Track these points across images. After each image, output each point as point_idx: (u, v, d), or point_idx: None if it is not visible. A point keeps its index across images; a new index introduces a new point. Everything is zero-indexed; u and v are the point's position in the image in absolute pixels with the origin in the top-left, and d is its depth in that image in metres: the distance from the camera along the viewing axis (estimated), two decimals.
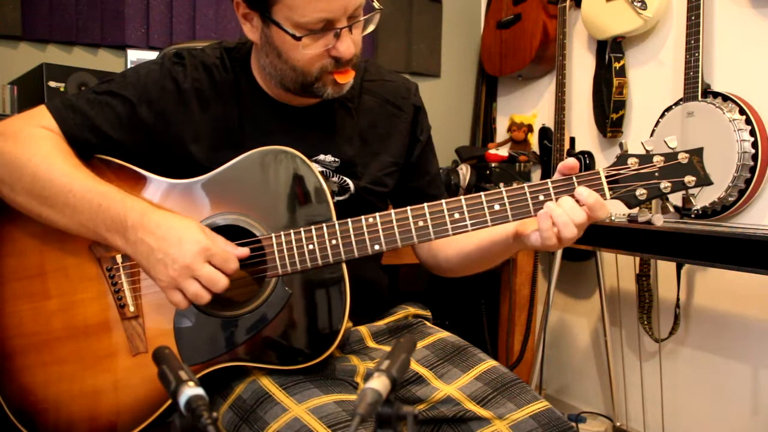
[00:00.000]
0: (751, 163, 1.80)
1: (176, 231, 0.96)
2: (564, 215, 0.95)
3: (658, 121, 2.04)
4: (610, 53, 2.29)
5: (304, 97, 1.12)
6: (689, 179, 0.96)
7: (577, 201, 0.96)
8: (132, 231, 0.97)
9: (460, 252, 1.20)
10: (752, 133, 1.79)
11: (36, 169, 1.01)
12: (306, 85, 1.08)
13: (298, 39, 1.02)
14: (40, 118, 1.07)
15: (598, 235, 1.84)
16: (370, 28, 1.10)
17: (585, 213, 0.96)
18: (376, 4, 1.08)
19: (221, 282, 0.96)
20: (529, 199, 0.98)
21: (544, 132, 2.64)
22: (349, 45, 1.04)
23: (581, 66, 2.55)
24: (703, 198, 1.86)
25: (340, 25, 1.02)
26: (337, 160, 1.16)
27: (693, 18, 1.92)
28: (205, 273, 0.95)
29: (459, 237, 1.06)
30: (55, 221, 1.03)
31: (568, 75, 2.50)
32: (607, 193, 0.97)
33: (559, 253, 2.35)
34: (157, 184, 1.09)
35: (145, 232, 0.96)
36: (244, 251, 1.01)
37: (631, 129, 2.35)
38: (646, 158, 0.97)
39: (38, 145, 1.03)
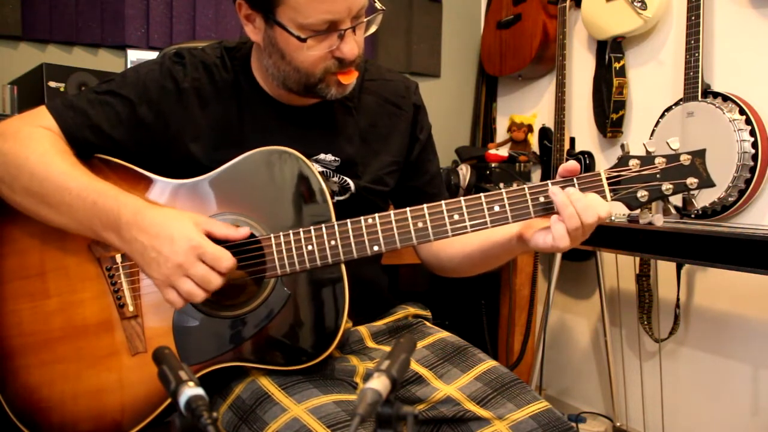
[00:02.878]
0: (751, 163, 1.80)
1: (169, 229, 0.95)
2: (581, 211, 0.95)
3: (658, 122, 2.04)
4: (610, 53, 2.29)
5: (306, 97, 1.12)
6: (691, 181, 0.95)
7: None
8: (126, 229, 0.97)
9: (461, 252, 1.19)
10: (752, 133, 1.79)
11: (33, 168, 1.01)
12: (309, 86, 1.08)
13: (303, 41, 1.02)
14: (40, 118, 1.07)
15: (598, 235, 1.83)
16: (373, 28, 1.10)
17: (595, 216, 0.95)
18: (378, 5, 1.08)
19: (214, 281, 0.95)
20: (529, 201, 0.98)
21: (544, 132, 2.64)
22: (352, 46, 1.04)
23: (581, 66, 2.54)
24: (703, 198, 1.86)
25: (344, 27, 1.02)
26: (337, 159, 1.16)
27: (693, 18, 1.91)
28: (197, 272, 0.94)
29: (460, 237, 1.06)
30: (52, 219, 1.03)
31: (568, 75, 2.49)
32: (608, 194, 0.97)
33: (559, 253, 2.35)
34: (156, 184, 1.09)
35: (139, 230, 0.96)
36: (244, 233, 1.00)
37: (631, 129, 2.35)
38: (647, 159, 0.97)
39: (36, 143, 1.03)
